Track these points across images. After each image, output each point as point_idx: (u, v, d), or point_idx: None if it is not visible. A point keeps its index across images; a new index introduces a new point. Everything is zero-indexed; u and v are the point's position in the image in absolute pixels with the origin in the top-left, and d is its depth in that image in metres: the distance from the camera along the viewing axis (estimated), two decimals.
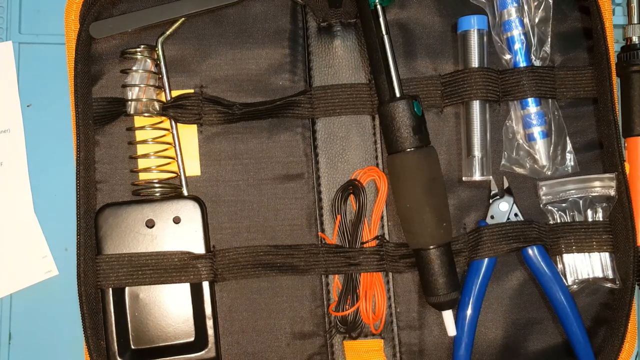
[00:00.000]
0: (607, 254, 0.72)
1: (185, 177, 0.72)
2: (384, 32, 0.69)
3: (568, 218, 0.73)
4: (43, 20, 0.77)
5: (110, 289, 0.70)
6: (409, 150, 0.68)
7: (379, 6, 0.69)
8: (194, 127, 0.73)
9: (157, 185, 0.72)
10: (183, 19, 0.73)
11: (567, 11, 0.75)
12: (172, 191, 0.72)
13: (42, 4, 0.77)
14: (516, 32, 0.72)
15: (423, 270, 0.69)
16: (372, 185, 0.73)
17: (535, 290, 0.73)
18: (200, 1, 0.72)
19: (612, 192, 0.72)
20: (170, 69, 0.73)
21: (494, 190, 0.73)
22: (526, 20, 0.73)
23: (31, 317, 0.75)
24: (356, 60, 0.74)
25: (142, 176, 0.73)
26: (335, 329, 0.72)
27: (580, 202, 0.73)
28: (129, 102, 0.71)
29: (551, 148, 0.73)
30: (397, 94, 0.69)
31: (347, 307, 0.71)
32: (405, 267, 0.71)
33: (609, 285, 0.72)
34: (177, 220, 0.71)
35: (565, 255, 0.72)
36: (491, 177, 0.73)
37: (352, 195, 0.72)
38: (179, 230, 0.71)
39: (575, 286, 0.72)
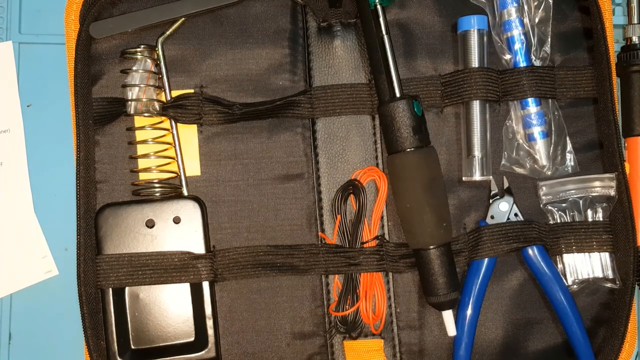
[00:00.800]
0: (607, 254, 0.72)
1: (185, 177, 0.72)
2: (384, 32, 0.69)
3: (568, 218, 0.73)
4: (43, 20, 0.77)
5: (110, 289, 0.70)
6: (409, 150, 0.68)
7: (379, 6, 0.69)
8: (194, 127, 0.73)
9: (157, 185, 0.72)
10: (183, 19, 0.73)
11: (567, 11, 0.75)
12: (172, 191, 0.72)
13: (42, 4, 0.77)
14: (516, 32, 0.72)
15: (423, 270, 0.69)
16: (372, 185, 0.73)
17: (535, 290, 0.73)
18: (200, 1, 0.72)
19: (612, 192, 0.72)
20: (170, 69, 0.73)
21: (494, 190, 0.73)
22: (526, 20, 0.73)
23: (31, 317, 0.75)
24: (356, 60, 0.74)
25: (142, 176, 0.72)
26: (335, 329, 0.72)
27: (580, 202, 0.73)
28: (129, 102, 0.71)
29: (551, 148, 0.73)
30: (397, 94, 0.69)
31: (347, 307, 0.71)
32: (405, 267, 0.71)
33: (609, 285, 0.72)
34: (177, 220, 0.71)
35: (565, 255, 0.72)
36: (491, 177, 0.73)
37: (352, 195, 0.72)
38: (179, 230, 0.71)
39: (575, 286, 0.72)
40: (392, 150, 0.69)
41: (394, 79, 0.69)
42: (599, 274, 0.72)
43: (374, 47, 0.70)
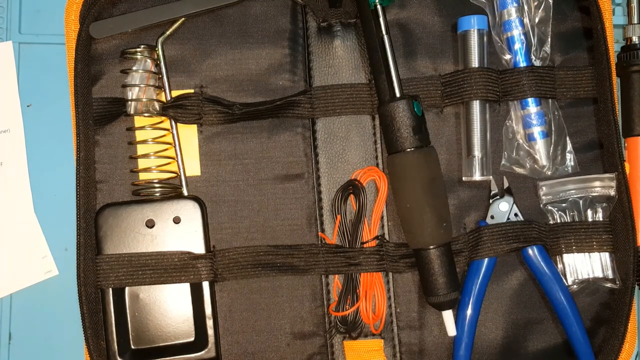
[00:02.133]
0: (607, 254, 0.72)
1: (185, 177, 0.72)
2: (384, 32, 0.69)
3: (568, 218, 0.73)
4: (43, 20, 0.77)
5: (110, 289, 0.70)
6: (409, 150, 0.68)
7: (379, 6, 0.69)
8: (194, 127, 0.73)
9: (157, 185, 0.72)
10: (183, 19, 0.73)
11: (567, 11, 0.75)
12: (172, 191, 0.72)
13: (42, 4, 0.77)
14: (516, 32, 0.72)
15: (423, 270, 0.69)
16: (372, 185, 0.73)
17: (535, 290, 0.73)
18: (200, 1, 0.72)
19: (612, 192, 0.72)
20: (170, 69, 0.73)
21: (494, 190, 0.73)
22: (526, 20, 0.73)
23: (31, 317, 0.75)
24: (356, 60, 0.74)
25: (142, 176, 0.72)
26: (335, 329, 0.72)
27: (580, 202, 0.73)
28: (129, 102, 0.71)
29: (551, 148, 0.73)
30: (397, 94, 0.69)
31: (347, 307, 0.71)
32: (405, 267, 0.71)
33: (609, 285, 0.72)
34: (177, 220, 0.71)
35: (565, 255, 0.72)
36: (491, 177, 0.73)
37: (352, 195, 0.72)
38: (179, 230, 0.71)
39: (575, 286, 0.72)
40: (392, 150, 0.69)
41: (394, 79, 0.69)
42: (599, 274, 0.72)
43: (374, 47, 0.70)
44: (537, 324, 0.73)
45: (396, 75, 0.69)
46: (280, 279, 0.72)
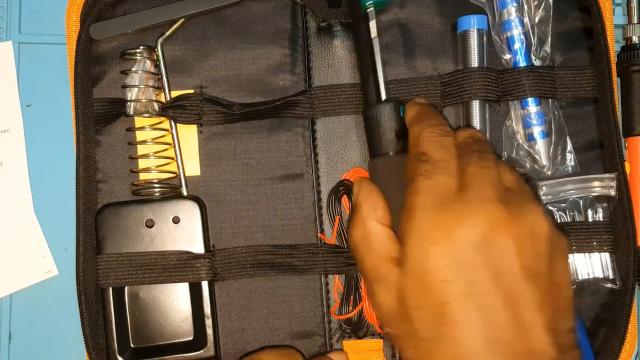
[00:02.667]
0: (607, 254, 0.72)
1: (185, 177, 0.72)
2: (373, 35, 0.68)
3: (568, 218, 0.73)
4: (43, 20, 0.77)
5: (110, 288, 0.70)
6: (391, 154, 0.66)
7: (369, 9, 0.68)
8: (194, 127, 0.73)
9: (156, 185, 0.72)
10: (183, 19, 0.73)
11: (567, 11, 0.75)
12: (171, 191, 0.72)
13: (42, 4, 0.77)
14: (516, 32, 0.72)
15: None
16: None
17: None
18: (201, 2, 0.72)
19: (613, 192, 0.71)
20: (170, 69, 0.73)
21: None
22: (526, 20, 0.73)
23: (31, 317, 0.75)
24: (355, 60, 0.74)
25: (142, 176, 0.73)
26: (341, 331, 0.72)
27: (581, 202, 0.73)
28: (128, 103, 0.71)
29: (551, 148, 0.73)
30: (384, 97, 0.67)
31: (349, 308, 0.71)
32: None
33: (609, 285, 0.72)
34: (176, 220, 0.71)
35: None
36: None
37: (344, 195, 0.72)
38: (179, 230, 0.71)
39: (575, 286, 0.72)
40: (374, 154, 0.67)
41: (381, 81, 0.67)
42: (599, 274, 0.72)
43: (364, 48, 0.68)
44: None
45: (383, 77, 0.67)
46: (280, 279, 0.72)
